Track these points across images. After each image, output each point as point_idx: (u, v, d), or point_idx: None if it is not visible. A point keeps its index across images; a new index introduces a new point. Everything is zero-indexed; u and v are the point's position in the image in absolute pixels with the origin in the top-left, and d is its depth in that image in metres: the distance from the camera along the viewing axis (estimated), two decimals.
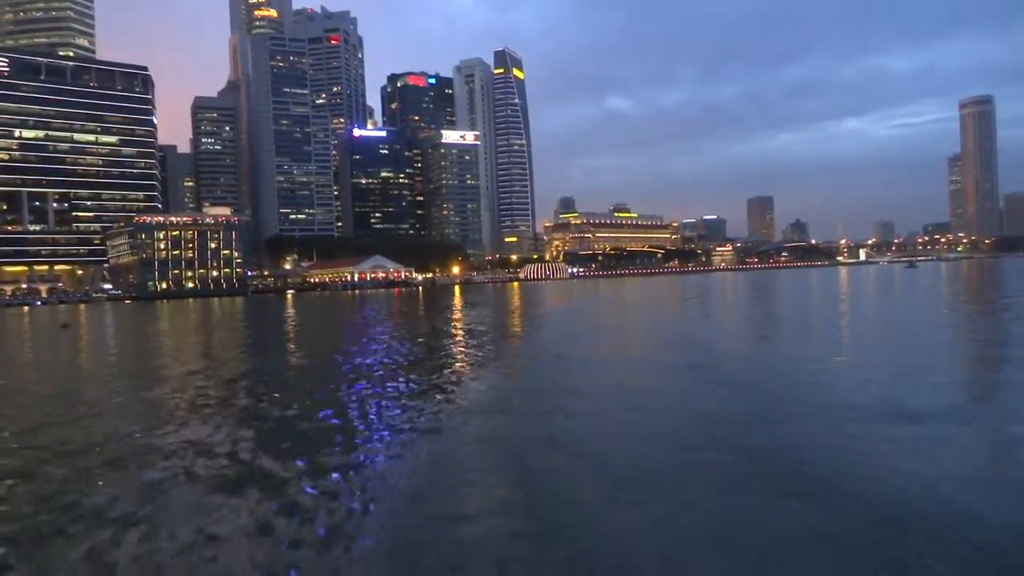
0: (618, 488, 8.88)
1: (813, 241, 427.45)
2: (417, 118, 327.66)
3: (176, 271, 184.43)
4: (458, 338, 32.13)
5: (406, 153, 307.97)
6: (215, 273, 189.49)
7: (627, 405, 14.58)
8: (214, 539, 7.58)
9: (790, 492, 8.25)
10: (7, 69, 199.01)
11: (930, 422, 11.30)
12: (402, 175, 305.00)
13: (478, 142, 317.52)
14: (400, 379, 19.02)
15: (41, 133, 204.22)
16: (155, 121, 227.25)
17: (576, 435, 11.86)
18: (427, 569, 6.74)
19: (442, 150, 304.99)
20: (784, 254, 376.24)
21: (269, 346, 34.63)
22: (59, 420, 14.84)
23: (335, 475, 9.93)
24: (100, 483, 9.93)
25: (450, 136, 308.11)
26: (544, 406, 14.67)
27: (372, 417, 13.99)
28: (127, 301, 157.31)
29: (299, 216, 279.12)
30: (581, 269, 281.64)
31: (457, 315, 51.38)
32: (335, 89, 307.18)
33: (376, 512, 8.33)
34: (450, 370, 20.68)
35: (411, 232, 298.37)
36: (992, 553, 6.44)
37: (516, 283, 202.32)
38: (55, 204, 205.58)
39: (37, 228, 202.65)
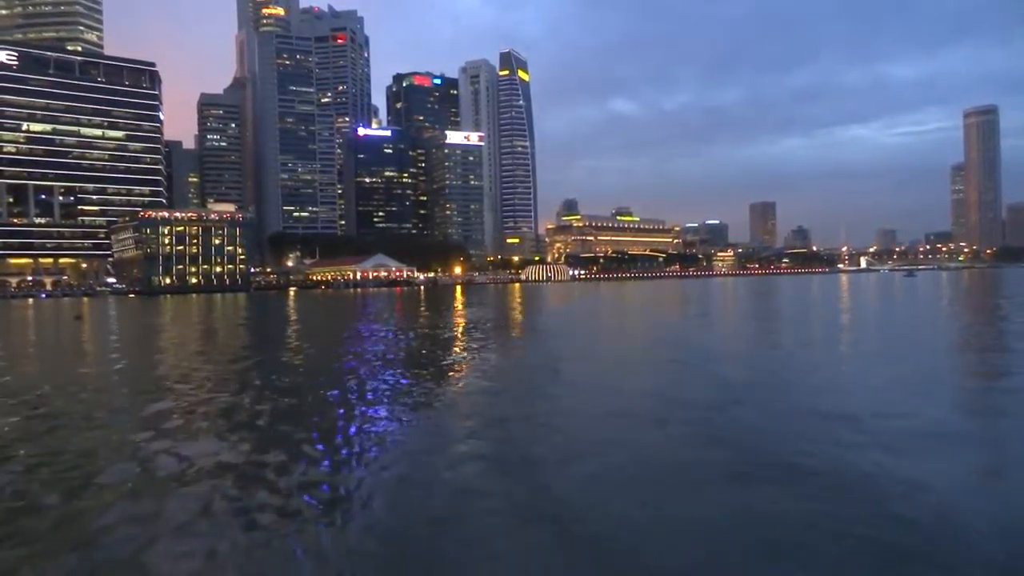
0: (578, 446, 10.69)
1: (814, 248, 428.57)
2: (421, 118, 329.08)
3: (180, 267, 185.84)
4: (458, 333, 33.25)
5: (410, 153, 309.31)
6: (218, 269, 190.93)
7: (602, 390, 15.97)
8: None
9: (708, 445, 10.57)
10: (16, 63, 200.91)
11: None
12: (406, 175, 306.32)
13: (482, 143, 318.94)
14: (399, 368, 20.15)
15: (48, 127, 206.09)
16: (162, 117, 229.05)
17: (552, 411, 13.32)
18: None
19: (446, 150, 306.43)
20: (785, 260, 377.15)
21: (284, 337, 35.78)
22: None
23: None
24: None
25: (454, 137, 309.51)
26: (529, 390, 15.87)
27: (370, 395, 15.17)
28: (131, 295, 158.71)
29: (302, 214, 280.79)
30: (582, 271, 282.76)
31: (458, 313, 52.51)
32: (340, 88, 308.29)
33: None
34: (448, 359, 21.82)
35: (414, 232, 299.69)
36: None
37: (517, 284, 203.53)
38: (61, 198, 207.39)
39: (43, 221, 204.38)
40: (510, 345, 27.59)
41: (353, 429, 12.13)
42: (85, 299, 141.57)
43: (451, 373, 18.94)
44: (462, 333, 33.25)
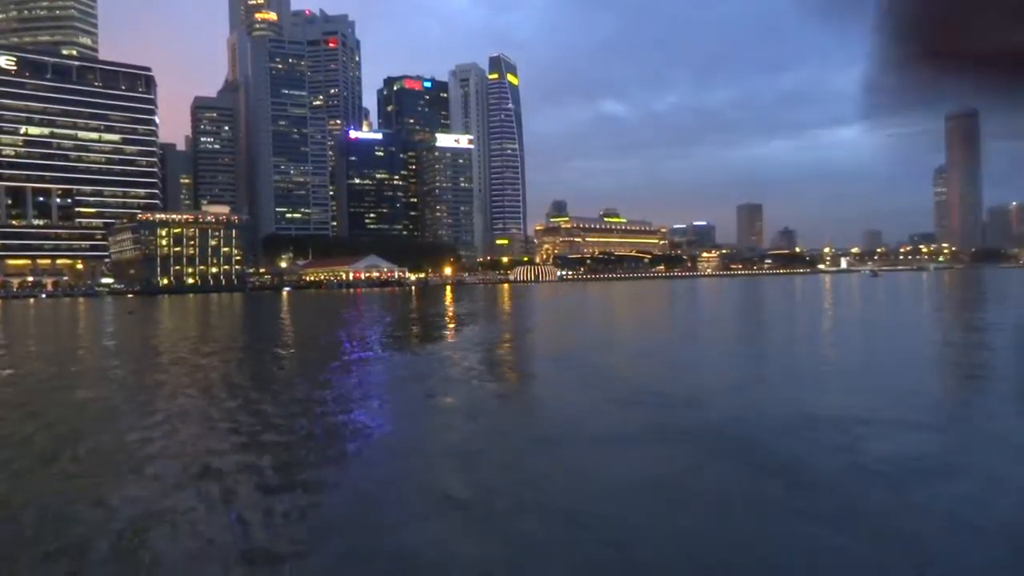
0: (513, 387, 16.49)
1: (798, 249, 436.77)
2: (412, 121, 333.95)
3: (177, 267, 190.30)
4: (448, 329, 39.17)
5: (401, 155, 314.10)
6: (215, 270, 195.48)
7: (535, 352, 22.17)
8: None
9: (600, 385, 16.25)
10: (14, 68, 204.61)
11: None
12: (397, 177, 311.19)
13: (472, 146, 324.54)
14: (387, 354, 26.10)
15: (46, 131, 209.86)
16: (157, 121, 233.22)
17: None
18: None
19: (436, 153, 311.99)
20: (768, 261, 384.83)
21: (294, 328, 41.60)
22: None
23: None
24: None
25: (444, 139, 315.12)
26: (487, 355, 21.87)
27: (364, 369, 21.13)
28: (130, 296, 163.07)
29: (295, 215, 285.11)
30: (569, 272, 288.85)
31: (449, 311, 58.36)
32: (332, 91, 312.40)
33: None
34: (432, 348, 27.77)
35: (405, 233, 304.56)
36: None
37: (506, 284, 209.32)
38: (58, 200, 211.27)
39: (41, 223, 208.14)
40: (488, 336, 33.56)
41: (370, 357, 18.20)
42: (82, 299, 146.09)
43: (434, 349, 24.95)
44: (452, 327, 39.16)
